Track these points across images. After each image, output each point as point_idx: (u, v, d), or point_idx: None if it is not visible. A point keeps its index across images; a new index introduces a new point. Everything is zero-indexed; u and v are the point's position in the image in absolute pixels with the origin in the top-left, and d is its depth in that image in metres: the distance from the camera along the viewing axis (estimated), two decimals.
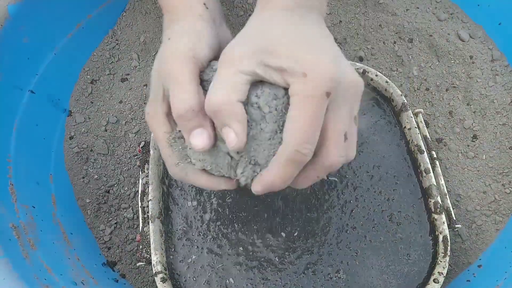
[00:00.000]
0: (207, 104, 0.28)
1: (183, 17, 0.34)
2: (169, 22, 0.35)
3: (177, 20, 0.34)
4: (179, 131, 0.32)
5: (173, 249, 0.43)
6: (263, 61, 0.28)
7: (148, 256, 0.42)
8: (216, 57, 0.33)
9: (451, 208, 0.44)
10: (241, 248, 0.43)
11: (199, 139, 0.29)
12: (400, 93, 0.48)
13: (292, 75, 0.27)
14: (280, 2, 0.30)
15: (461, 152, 0.52)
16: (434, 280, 0.41)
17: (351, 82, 0.28)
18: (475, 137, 0.53)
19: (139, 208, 0.45)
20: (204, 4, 0.34)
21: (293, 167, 0.28)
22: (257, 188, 0.30)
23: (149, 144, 0.46)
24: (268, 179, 0.29)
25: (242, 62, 0.28)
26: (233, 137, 0.28)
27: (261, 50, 0.28)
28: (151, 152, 0.45)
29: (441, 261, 0.42)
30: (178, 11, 0.34)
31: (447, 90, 0.55)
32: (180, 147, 0.32)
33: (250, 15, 0.57)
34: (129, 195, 0.52)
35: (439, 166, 0.46)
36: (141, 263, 0.42)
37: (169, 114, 0.32)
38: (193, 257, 0.43)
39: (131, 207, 0.51)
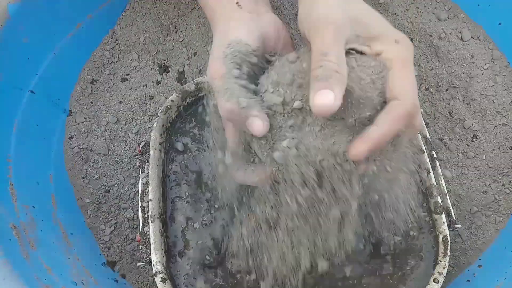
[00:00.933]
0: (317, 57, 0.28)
1: (217, 21, 0.36)
2: (211, 23, 0.37)
3: (214, 24, 0.37)
4: None
5: (173, 249, 0.43)
6: (357, 31, 0.30)
7: (148, 256, 0.42)
8: (263, 47, 0.34)
9: (451, 208, 0.44)
10: None
11: (258, 123, 0.30)
12: None
13: (387, 42, 0.30)
14: None
15: (461, 152, 0.52)
16: (434, 280, 0.41)
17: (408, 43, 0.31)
18: (475, 137, 0.53)
19: (139, 208, 0.45)
20: (237, 3, 0.35)
21: (406, 121, 0.29)
22: (362, 147, 0.29)
23: (149, 144, 0.46)
24: (377, 136, 0.29)
25: (342, 29, 0.29)
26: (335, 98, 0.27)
27: (355, 20, 0.30)
28: (151, 152, 0.45)
29: (441, 261, 0.42)
30: (214, 14, 0.36)
31: (447, 90, 0.55)
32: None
33: None
34: (129, 195, 0.52)
35: (439, 166, 0.46)
36: (141, 263, 0.42)
37: None
38: (194, 256, 0.43)
39: (131, 207, 0.51)
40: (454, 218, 0.44)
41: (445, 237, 0.42)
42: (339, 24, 0.29)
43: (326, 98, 0.27)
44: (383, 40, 0.30)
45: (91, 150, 0.53)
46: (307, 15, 0.30)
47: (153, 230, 0.42)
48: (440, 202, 0.43)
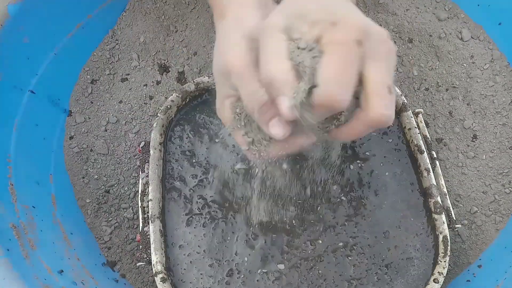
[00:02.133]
0: (263, 78, 0.28)
1: (226, 6, 0.34)
2: (218, 17, 0.35)
3: (222, 10, 0.34)
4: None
5: (173, 249, 0.43)
6: (295, 23, 0.28)
7: (148, 256, 0.42)
8: None
9: (451, 208, 0.44)
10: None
11: (279, 128, 0.30)
12: (400, 93, 0.48)
13: (323, 26, 0.27)
14: None
15: (461, 152, 0.52)
16: (434, 280, 0.41)
17: (382, 36, 0.28)
18: (475, 137, 0.53)
19: (139, 208, 0.45)
20: None
21: (324, 111, 0.28)
22: (288, 114, 0.28)
23: (149, 144, 0.46)
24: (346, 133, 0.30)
25: (279, 27, 0.28)
26: (286, 107, 0.27)
27: (294, 14, 0.28)
28: (151, 152, 0.45)
29: (441, 261, 0.42)
30: (223, 4, 0.34)
31: (447, 90, 0.55)
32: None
33: None
34: (129, 195, 0.52)
35: (439, 166, 0.46)
36: (141, 263, 0.42)
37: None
38: (194, 256, 0.43)
39: (131, 207, 0.51)
40: (454, 218, 0.44)
41: (445, 237, 0.42)
42: (272, 27, 0.28)
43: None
44: (321, 23, 0.27)
45: (91, 150, 0.53)
46: None
47: (153, 230, 0.42)
48: (440, 202, 0.43)
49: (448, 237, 0.42)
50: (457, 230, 0.47)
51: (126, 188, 0.52)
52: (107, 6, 0.55)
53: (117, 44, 0.57)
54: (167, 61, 0.56)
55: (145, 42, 0.57)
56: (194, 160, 0.47)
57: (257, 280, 0.42)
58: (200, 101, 0.50)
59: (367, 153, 0.47)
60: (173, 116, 0.49)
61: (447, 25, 0.57)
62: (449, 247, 0.42)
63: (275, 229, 0.44)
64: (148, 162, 0.45)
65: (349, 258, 0.43)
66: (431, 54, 0.56)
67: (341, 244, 0.43)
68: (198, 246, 0.43)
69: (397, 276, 0.42)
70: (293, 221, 0.44)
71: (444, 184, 0.45)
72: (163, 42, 0.57)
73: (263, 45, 0.29)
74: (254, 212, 0.43)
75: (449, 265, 0.42)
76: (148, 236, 0.42)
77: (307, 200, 0.44)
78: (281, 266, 0.42)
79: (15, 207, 0.45)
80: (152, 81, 0.56)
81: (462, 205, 0.50)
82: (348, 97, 0.27)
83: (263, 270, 0.42)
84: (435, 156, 0.47)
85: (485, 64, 0.55)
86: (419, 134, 0.46)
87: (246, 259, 0.43)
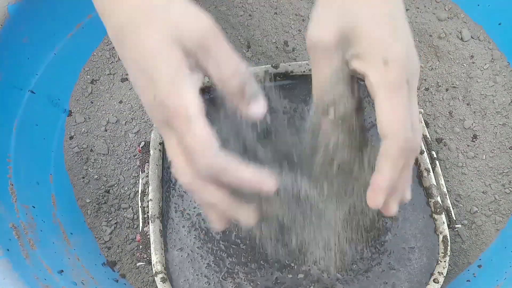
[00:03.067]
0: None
1: None
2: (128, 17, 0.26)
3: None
4: None
5: (173, 249, 0.43)
6: (349, 54, 0.26)
7: (148, 256, 0.42)
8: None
9: (451, 208, 0.44)
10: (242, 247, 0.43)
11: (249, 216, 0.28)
12: None
13: (372, 63, 0.25)
14: None
15: (461, 152, 0.52)
16: (434, 280, 0.41)
17: (418, 68, 0.27)
18: (475, 137, 0.53)
19: (139, 208, 0.45)
20: None
21: (405, 158, 0.26)
22: (378, 197, 0.27)
23: (149, 144, 0.46)
24: (384, 182, 0.27)
25: (334, 56, 0.26)
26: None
27: (345, 37, 0.26)
28: (151, 152, 0.45)
29: (441, 261, 0.42)
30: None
31: (447, 90, 0.55)
32: None
33: (250, 15, 0.58)
34: (129, 195, 0.52)
35: (439, 166, 0.46)
36: (141, 263, 0.42)
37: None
38: (194, 257, 0.43)
39: (131, 207, 0.51)
40: (454, 218, 0.44)
41: (445, 237, 0.42)
42: (328, 46, 0.26)
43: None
44: (368, 59, 0.25)
45: (91, 150, 0.53)
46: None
47: (153, 230, 0.42)
48: (440, 202, 0.43)
49: (448, 237, 0.42)
50: (457, 230, 0.47)
51: (126, 188, 0.52)
52: None
53: None
54: None
55: None
56: None
57: (256, 281, 0.42)
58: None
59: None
60: None
61: (447, 25, 0.57)
62: (449, 247, 0.42)
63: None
64: (148, 162, 0.45)
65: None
66: (431, 54, 0.56)
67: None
68: (198, 246, 0.43)
69: (397, 276, 0.42)
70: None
71: (444, 184, 0.45)
72: None
73: (313, 66, 0.27)
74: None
75: (449, 265, 0.42)
76: (148, 236, 0.42)
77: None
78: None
79: (15, 207, 0.45)
80: None
81: (462, 205, 0.50)
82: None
83: (262, 270, 0.42)
84: (435, 156, 0.47)
85: (485, 64, 0.55)
86: None
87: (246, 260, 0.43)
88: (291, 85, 0.49)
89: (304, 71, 0.48)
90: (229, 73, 0.25)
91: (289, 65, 0.48)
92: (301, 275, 0.42)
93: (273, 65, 0.48)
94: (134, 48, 0.25)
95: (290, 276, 0.42)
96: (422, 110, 0.49)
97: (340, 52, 0.26)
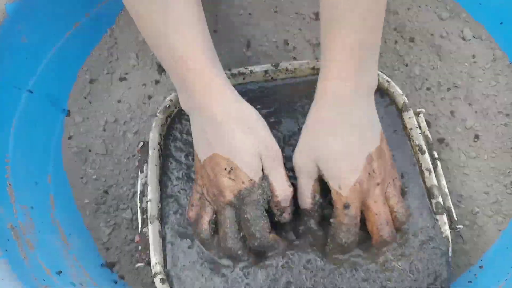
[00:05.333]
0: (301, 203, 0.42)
1: (205, 98, 0.39)
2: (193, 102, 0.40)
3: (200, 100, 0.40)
4: None
5: (172, 250, 0.43)
6: (320, 172, 0.39)
7: (147, 257, 0.42)
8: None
9: (453, 209, 0.44)
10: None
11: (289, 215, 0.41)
12: (401, 92, 0.47)
13: (333, 185, 0.38)
14: (333, 94, 0.38)
15: (463, 152, 0.52)
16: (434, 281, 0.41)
17: (355, 187, 0.39)
18: (476, 137, 0.53)
19: (138, 209, 0.45)
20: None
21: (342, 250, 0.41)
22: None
23: (148, 144, 0.46)
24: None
25: (310, 175, 0.40)
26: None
27: (318, 161, 0.39)
28: (150, 152, 0.45)
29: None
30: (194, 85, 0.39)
31: (448, 89, 0.55)
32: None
33: (250, 13, 0.57)
34: (127, 195, 0.52)
35: (440, 166, 0.46)
36: (140, 264, 0.42)
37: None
38: (193, 257, 0.43)
39: (130, 208, 0.51)
40: (456, 219, 0.43)
41: (446, 238, 0.42)
42: (309, 170, 0.39)
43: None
44: (333, 184, 0.38)
45: (90, 150, 0.53)
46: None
47: (152, 231, 0.42)
48: (442, 203, 0.43)
49: (450, 238, 0.42)
50: (458, 231, 0.47)
51: (125, 189, 0.52)
52: (106, 5, 0.54)
53: (115, 43, 0.56)
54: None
55: (144, 41, 0.56)
56: (194, 160, 0.47)
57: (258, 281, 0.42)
58: None
59: None
60: (172, 116, 0.48)
61: (448, 25, 0.56)
62: (450, 248, 0.42)
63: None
64: (147, 162, 0.45)
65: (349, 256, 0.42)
66: (432, 54, 0.56)
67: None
68: (198, 247, 0.43)
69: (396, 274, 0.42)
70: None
71: (445, 184, 0.45)
72: None
73: (300, 181, 0.41)
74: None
75: (450, 266, 0.42)
76: (147, 237, 0.42)
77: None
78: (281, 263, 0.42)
79: (13, 207, 0.44)
80: (151, 81, 0.56)
81: (463, 206, 0.50)
82: (356, 238, 0.40)
83: (264, 271, 0.42)
84: (436, 156, 0.46)
85: (487, 63, 0.55)
86: (421, 134, 0.46)
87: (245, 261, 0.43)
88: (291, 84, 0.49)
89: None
90: (280, 193, 0.40)
91: (290, 64, 0.48)
92: None
93: (273, 64, 0.48)
94: (227, 139, 0.38)
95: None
96: (423, 110, 0.49)
97: (313, 171, 0.39)
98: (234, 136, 0.38)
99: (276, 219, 0.41)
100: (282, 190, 0.39)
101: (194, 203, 0.42)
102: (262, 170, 0.39)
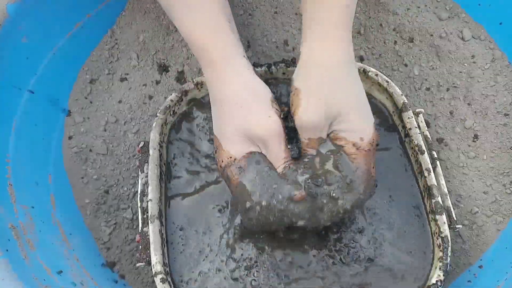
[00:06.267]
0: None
1: (225, 78, 0.40)
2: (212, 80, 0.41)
3: (218, 79, 0.41)
4: None
5: (172, 250, 0.43)
6: (335, 128, 0.40)
7: (147, 256, 0.42)
8: None
9: (452, 209, 0.44)
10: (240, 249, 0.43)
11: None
12: (400, 92, 0.48)
13: (354, 137, 0.39)
14: (337, 56, 0.39)
15: (462, 152, 0.52)
16: (435, 281, 0.41)
17: (373, 132, 0.41)
18: (476, 137, 0.53)
19: (139, 209, 0.45)
20: (244, 56, 0.42)
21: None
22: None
23: (149, 144, 0.46)
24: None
25: (323, 132, 0.40)
26: None
27: (333, 118, 0.39)
28: (151, 152, 0.45)
29: (441, 262, 0.41)
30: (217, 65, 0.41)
31: (448, 90, 0.55)
32: None
33: (250, 14, 0.57)
34: (128, 195, 0.52)
35: (439, 166, 0.46)
36: (141, 264, 0.42)
37: None
38: (194, 257, 0.43)
39: (130, 208, 0.51)
40: (455, 219, 0.44)
41: (445, 237, 0.42)
42: (318, 126, 0.39)
43: None
44: (350, 134, 0.39)
45: (90, 150, 0.53)
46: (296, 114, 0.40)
47: (152, 231, 0.42)
48: (441, 202, 0.43)
49: (449, 238, 0.42)
50: (457, 231, 0.47)
51: (125, 189, 0.52)
52: (107, 6, 0.54)
53: (116, 43, 0.57)
54: (167, 61, 0.56)
55: (144, 42, 0.56)
56: (194, 160, 0.47)
57: (258, 281, 0.42)
58: (201, 100, 0.50)
59: None
60: (172, 116, 0.49)
61: (448, 25, 0.56)
62: (449, 248, 0.42)
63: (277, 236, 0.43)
64: (147, 162, 0.45)
65: (349, 256, 0.43)
66: (432, 54, 0.56)
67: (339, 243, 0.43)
68: (198, 246, 0.43)
69: (397, 275, 0.42)
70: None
71: (444, 184, 0.45)
72: (162, 42, 0.56)
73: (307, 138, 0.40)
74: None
75: (449, 265, 0.42)
76: (148, 237, 0.42)
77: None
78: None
79: (14, 207, 0.44)
80: (152, 81, 0.56)
81: (463, 206, 0.50)
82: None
83: (263, 272, 0.42)
84: (435, 156, 0.46)
85: (486, 64, 0.55)
86: (420, 134, 0.46)
87: (245, 260, 0.43)
88: None
89: None
90: (275, 161, 0.40)
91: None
92: None
93: (274, 62, 0.48)
94: (217, 119, 0.41)
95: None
96: (422, 110, 0.49)
97: (325, 128, 0.40)
98: (221, 116, 0.40)
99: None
100: (278, 158, 0.40)
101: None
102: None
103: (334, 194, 0.37)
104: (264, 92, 0.41)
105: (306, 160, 0.40)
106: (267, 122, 0.39)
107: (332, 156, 0.39)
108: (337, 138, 0.40)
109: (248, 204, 0.38)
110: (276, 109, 0.40)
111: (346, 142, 0.39)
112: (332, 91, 0.38)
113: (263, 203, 0.38)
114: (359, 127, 0.39)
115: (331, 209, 0.38)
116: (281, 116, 0.40)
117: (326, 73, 0.38)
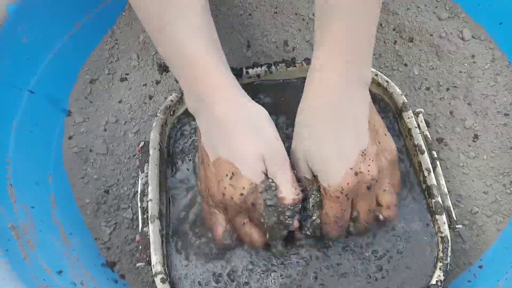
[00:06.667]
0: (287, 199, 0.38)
1: (213, 99, 0.38)
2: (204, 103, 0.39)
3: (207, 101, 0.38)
4: None
5: (172, 249, 0.43)
6: (309, 168, 0.39)
7: (147, 256, 0.42)
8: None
9: (452, 208, 0.44)
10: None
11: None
12: (400, 92, 0.47)
13: (321, 181, 0.38)
14: (323, 84, 0.37)
15: (462, 152, 0.52)
16: (435, 281, 0.41)
17: (341, 181, 0.37)
18: (476, 137, 0.53)
19: (139, 209, 0.45)
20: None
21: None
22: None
23: (149, 144, 0.46)
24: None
25: (301, 169, 0.39)
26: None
27: (310, 163, 0.38)
28: (151, 152, 0.45)
29: (441, 262, 0.41)
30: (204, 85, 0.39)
31: (448, 90, 0.55)
32: None
33: (250, 14, 0.57)
34: (128, 195, 0.52)
35: (439, 166, 0.46)
36: (141, 264, 0.42)
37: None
38: (193, 257, 0.43)
39: (130, 208, 0.51)
40: (455, 218, 0.43)
41: (445, 237, 0.42)
42: (302, 169, 0.39)
43: None
44: (320, 179, 0.38)
45: (91, 150, 0.53)
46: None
47: (153, 231, 0.42)
48: (441, 202, 0.43)
49: (449, 237, 0.42)
50: (457, 231, 0.47)
51: (125, 188, 0.52)
52: (107, 6, 0.54)
53: (116, 43, 0.57)
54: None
55: (144, 42, 0.56)
56: (194, 160, 0.47)
57: (258, 281, 0.42)
58: None
59: None
60: (172, 115, 0.49)
61: (448, 25, 0.56)
62: (449, 248, 0.42)
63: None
64: (147, 162, 0.45)
65: (351, 255, 0.42)
66: (431, 54, 0.56)
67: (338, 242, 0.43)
68: (198, 247, 0.43)
69: (397, 276, 0.42)
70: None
71: (444, 184, 0.45)
72: None
73: (285, 174, 0.38)
74: None
75: (449, 265, 0.42)
76: (148, 237, 0.42)
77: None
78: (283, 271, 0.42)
79: (14, 207, 0.44)
80: (152, 81, 0.56)
81: (463, 206, 0.50)
82: (344, 226, 0.41)
83: (264, 273, 0.42)
84: (435, 156, 0.46)
85: (486, 63, 0.55)
86: (420, 134, 0.46)
87: (245, 260, 0.43)
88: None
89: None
90: (285, 190, 0.38)
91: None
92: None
93: (274, 62, 0.48)
94: (230, 142, 0.37)
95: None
96: (422, 110, 0.49)
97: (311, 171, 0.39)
98: (236, 138, 0.37)
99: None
100: (289, 192, 0.37)
101: (207, 216, 0.42)
102: (266, 173, 0.37)
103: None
104: (262, 109, 0.39)
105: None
106: (278, 140, 0.38)
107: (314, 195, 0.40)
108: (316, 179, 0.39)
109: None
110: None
111: (318, 184, 0.39)
112: (312, 134, 0.37)
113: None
114: (326, 176, 0.37)
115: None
116: None
117: (313, 103, 0.37)
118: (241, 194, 0.37)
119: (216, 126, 0.38)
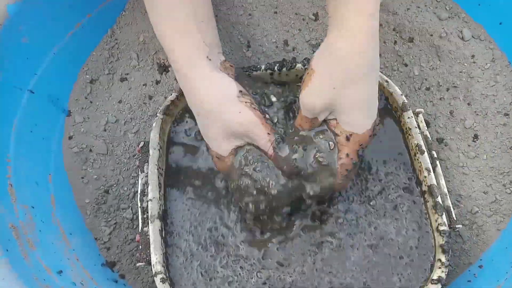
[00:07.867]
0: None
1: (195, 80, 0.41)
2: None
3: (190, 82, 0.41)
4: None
5: (172, 249, 0.43)
6: (336, 117, 0.41)
7: (147, 256, 0.42)
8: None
9: (452, 208, 0.44)
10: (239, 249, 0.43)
11: None
12: (400, 92, 0.48)
13: (341, 132, 0.40)
14: (353, 27, 0.37)
15: (462, 152, 0.52)
16: (435, 281, 0.41)
17: (367, 135, 0.41)
18: (476, 137, 0.53)
19: (139, 209, 0.45)
20: (207, 57, 0.42)
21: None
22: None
23: (149, 144, 0.46)
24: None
25: (320, 115, 0.41)
26: None
27: (335, 108, 0.40)
28: (151, 152, 0.45)
29: (441, 262, 0.41)
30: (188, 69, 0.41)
31: (448, 90, 0.55)
32: None
33: (250, 14, 0.57)
34: (128, 195, 0.52)
35: (439, 166, 0.46)
36: (141, 264, 0.42)
37: None
38: (193, 257, 0.43)
39: (130, 208, 0.51)
40: (455, 218, 0.44)
41: (445, 237, 0.42)
42: (316, 111, 0.40)
43: None
44: (342, 130, 0.40)
45: (90, 150, 0.53)
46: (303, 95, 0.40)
47: (152, 231, 0.42)
48: (441, 202, 0.43)
49: (449, 238, 0.42)
50: (457, 230, 0.47)
51: (125, 188, 0.52)
52: (107, 6, 0.54)
53: (116, 43, 0.57)
54: (167, 61, 0.56)
55: (144, 42, 0.56)
56: (194, 160, 0.47)
57: (256, 281, 0.42)
58: None
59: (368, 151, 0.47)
60: (172, 115, 0.49)
61: (448, 25, 0.56)
62: (449, 248, 0.42)
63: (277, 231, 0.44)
64: (147, 162, 0.45)
65: (351, 255, 0.43)
66: (432, 54, 0.56)
67: (337, 241, 0.43)
68: (198, 247, 0.43)
69: (397, 276, 0.42)
70: (293, 222, 0.44)
71: (444, 184, 0.45)
72: None
73: (303, 116, 0.41)
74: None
75: (449, 265, 0.42)
76: (148, 237, 0.42)
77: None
78: (278, 269, 0.42)
79: (14, 207, 0.45)
80: (152, 81, 0.56)
81: (463, 205, 0.50)
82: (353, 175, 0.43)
83: (262, 273, 0.42)
84: (435, 156, 0.46)
85: (486, 63, 0.55)
86: (420, 134, 0.46)
87: (246, 261, 0.43)
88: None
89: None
90: (263, 146, 0.41)
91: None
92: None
93: (274, 62, 0.48)
94: (207, 125, 0.42)
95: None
96: (422, 110, 0.49)
97: (323, 113, 0.40)
98: (205, 125, 0.42)
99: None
100: (266, 146, 0.41)
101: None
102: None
103: (318, 157, 0.40)
104: (229, 89, 0.41)
105: (296, 137, 0.41)
106: (239, 117, 0.40)
107: (322, 138, 0.41)
108: (334, 125, 0.41)
109: (246, 199, 0.41)
110: (245, 102, 0.41)
111: (341, 131, 0.40)
112: (344, 85, 0.38)
113: (255, 191, 0.40)
114: (358, 123, 0.40)
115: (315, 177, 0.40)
116: (252, 104, 0.42)
117: (342, 63, 0.37)
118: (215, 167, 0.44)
119: (192, 110, 0.43)
